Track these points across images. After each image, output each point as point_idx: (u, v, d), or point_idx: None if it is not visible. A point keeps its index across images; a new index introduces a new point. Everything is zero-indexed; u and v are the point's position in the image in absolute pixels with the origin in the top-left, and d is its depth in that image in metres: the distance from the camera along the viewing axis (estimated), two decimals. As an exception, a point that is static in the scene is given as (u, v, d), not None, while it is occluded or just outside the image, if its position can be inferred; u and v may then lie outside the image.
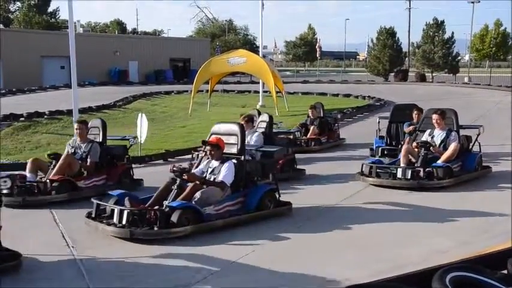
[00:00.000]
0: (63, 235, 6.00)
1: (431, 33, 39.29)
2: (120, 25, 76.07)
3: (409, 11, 54.72)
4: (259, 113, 10.73)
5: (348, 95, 26.38)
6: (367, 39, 47.12)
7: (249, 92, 28.91)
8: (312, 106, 13.04)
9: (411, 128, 9.88)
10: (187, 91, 27.35)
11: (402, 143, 9.50)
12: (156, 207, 5.87)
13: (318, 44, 51.22)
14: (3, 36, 36.01)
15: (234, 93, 29.34)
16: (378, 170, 8.21)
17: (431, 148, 8.26)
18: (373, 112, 19.71)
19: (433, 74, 39.10)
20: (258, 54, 23.44)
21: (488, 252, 4.35)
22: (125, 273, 4.78)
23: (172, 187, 6.12)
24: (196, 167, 6.89)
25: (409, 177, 7.87)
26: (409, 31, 52.80)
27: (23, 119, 18.18)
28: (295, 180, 8.94)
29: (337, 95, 26.88)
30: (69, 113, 16.91)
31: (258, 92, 23.71)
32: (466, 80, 35.76)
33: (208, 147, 6.64)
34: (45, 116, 18.89)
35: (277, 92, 20.10)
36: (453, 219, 6.35)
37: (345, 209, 7.02)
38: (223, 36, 68.73)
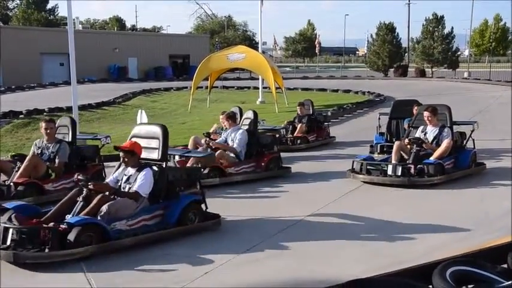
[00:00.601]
0: None
1: (430, 29, 39.22)
2: (119, 22, 76.01)
3: (409, 6, 54.72)
4: (241, 110, 10.44)
5: (347, 91, 26.37)
6: (366, 35, 47.08)
7: (249, 88, 28.91)
8: (301, 103, 12.70)
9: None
10: (186, 87, 27.35)
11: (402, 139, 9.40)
12: (52, 224, 4.91)
13: (317, 40, 51.19)
14: (2, 34, 36.01)
15: (234, 89, 29.34)
16: (368, 167, 8.04)
17: (423, 145, 8.12)
18: (373, 108, 19.69)
19: (433, 70, 39.05)
20: (258, 50, 23.41)
21: (488, 246, 4.36)
22: None
23: (78, 199, 5.28)
24: (114, 173, 5.98)
25: (399, 174, 7.70)
26: (408, 26, 52.80)
27: (22, 116, 18.18)
28: (281, 178, 8.76)
29: (336, 90, 26.87)
30: (69, 109, 16.88)
31: (258, 88, 23.69)
32: (465, 75, 35.75)
33: (121, 154, 5.82)
34: (45, 113, 18.86)
35: (276, 88, 20.08)
36: (451, 214, 6.35)
37: (336, 207, 6.99)
38: (223, 33, 68.62)
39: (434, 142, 8.33)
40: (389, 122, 10.72)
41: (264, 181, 8.52)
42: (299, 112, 12.56)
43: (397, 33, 40.94)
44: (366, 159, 8.26)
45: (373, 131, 11.23)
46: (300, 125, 12.12)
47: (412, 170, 7.71)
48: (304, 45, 65.17)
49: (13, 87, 28.95)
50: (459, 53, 42.53)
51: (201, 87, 23.34)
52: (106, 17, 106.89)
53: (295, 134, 12.00)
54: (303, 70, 54.81)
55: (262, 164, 8.81)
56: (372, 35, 42.83)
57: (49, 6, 60.57)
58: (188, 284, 4.33)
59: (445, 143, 8.18)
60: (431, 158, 7.95)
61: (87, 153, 8.18)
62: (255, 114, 9.44)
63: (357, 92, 25.56)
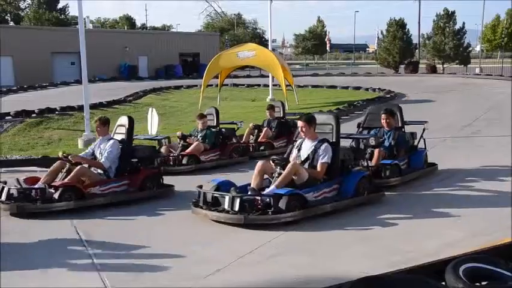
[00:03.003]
0: None
1: (441, 24, 38.95)
2: (129, 21, 76.34)
3: (419, 2, 54.27)
4: (217, 112, 10.19)
5: (358, 88, 26.28)
6: (376, 31, 46.82)
7: (259, 85, 28.90)
8: (270, 106, 11.54)
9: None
10: (196, 85, 27.40)
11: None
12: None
13: (327, 37, 51.11)
14: (14, 34, 36.42)
15: (244, 87, 29.34)
16: (215, 195, 6.06)
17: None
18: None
19: (444, 66, 38.79)
20: (267, 48, 23.39)
21: (501, 243, 4.33)
22: None
23: None
24: None
25: (236, 209, 5.73)
26: (419, 22, 52.32)
27: (34, 115, 18.34)
28: (161, 199, 7.27)
29: (347, 87, 26.79)
30: (80, 108, 17.02)
31: (268, 86, 23.68)
32: (477, 71, 35.49)
33: None
34: (57, 112, 19.05)
35: (287, 86, 20.05)
36: (463, 211, 6.32)
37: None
38: (232, 30, 68.76)
39: (307, 163, 6.42)
40: (360, 132, 8.73)
41: (139, 204, 7.02)
42: (268, 115, 11.35)
43: (408, 29, 40.69)
44: (220, 184, 6.28)
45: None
46: (265, 129, 11.01)
47: (260, 202, 5.76)
48: (314, 42, 64.98)
49: (25, 86, 29.21)
50: (470, 48, 42.19)
51: (211, 85, 23.38)
52: (116, 16, 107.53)
53: (259, 139, 10.87)
54: (313, 67, 54.72)
55: (137, 182, 7.27)
56: (382, 32, 42.62)
57: (60, 5, 61.10)
58: (200, 281, 4.34)
59: (318, 167, 6.31)
60: (270, 188, 6.07)
61: None
62: (131, 120, 7.73)
63: (367, 89, 25.47)
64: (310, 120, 6.53)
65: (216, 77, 22.31)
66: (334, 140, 6.60)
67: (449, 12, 38.91)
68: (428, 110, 17.78)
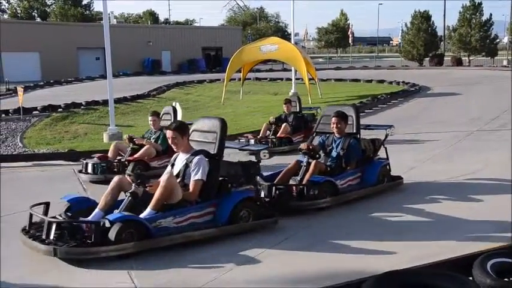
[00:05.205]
0: None
1: (467, 16, 38.30)
2: (152, 15, 76.86)
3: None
4: (175, 111, 8.94)
5: (381, 81, 26.02)
6: (400, 24, 46.28)
7: (282, 79, 28.84)
8: (287, 100, 11.41)
9: (303, 145, 6.62)
10: (219, 80, 27.51)
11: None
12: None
13: (350, 30, 50.68)
14: (41, 30, 37.12)
15: (267, 81, 29.32)
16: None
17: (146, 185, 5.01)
18: (407, 98, 19.44)
19: (470, 58, 38.14)
20: (290, 42, 23.30)
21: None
22: None
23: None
24: None
25: (51, 237, 4.49)
26: (444, 14, 51.56)
27: (60, 109, 18.68)
28: None
29: (370, 81, 26.56)
30: (105, 103, 17.28)
31: (291, 80, 23.61)
32: (505, 63, 34.83)
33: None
34: (82, 107, 19.36)
35: (310, 79, 19.96)
36: (489, 207, 6.20)
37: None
38: (255, 24, 68.71)
39: (178, 180, 5.09)
40: (311, 140, 7.32)
41: None
42: (285, 110, 11.20)
43: (433, 21, 40.11)
44: (73, 202, 5.00)
45: (408, 121, 10.94)
46: (284, 124, 10.76)
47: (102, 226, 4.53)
48: (337, 35, 64.56)
49: (51, 81, 29.75)
50: (498, 40, 41.37)
51: (234, 79, 23.42)
52: (140, 11, 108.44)
53: (278, 135, 10.58)
54: (336, 61, 54.37)
55: None
56: (406, 24, 42.14)
57: (85, 1, 61.93)
58: (223, 275, 4.36)
59: (190, 186, 5.09)
60: (147, 211, 4.84)
61: None
62: None
63: (391, 82, 25.20)
64: (181, 128, 5.20)
65: (239, 71, 22.35)
66: (215, 152, 5.29)
67: (476, 3, 38.22)
68: (455, 103, 17.53)
